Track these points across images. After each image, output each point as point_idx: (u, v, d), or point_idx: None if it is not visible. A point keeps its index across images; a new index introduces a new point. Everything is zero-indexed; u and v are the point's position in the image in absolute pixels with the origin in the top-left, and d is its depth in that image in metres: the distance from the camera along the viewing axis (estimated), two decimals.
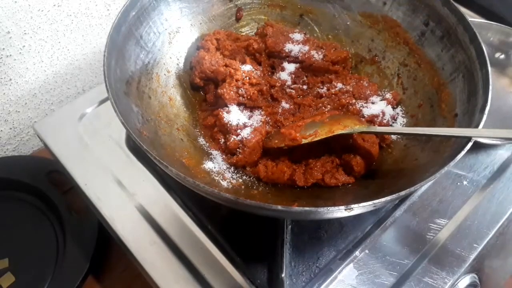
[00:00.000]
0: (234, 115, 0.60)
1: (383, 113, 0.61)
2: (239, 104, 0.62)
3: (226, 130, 0.59)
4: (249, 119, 0.61)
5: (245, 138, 0.57)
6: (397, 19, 0.65)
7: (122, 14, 0.56)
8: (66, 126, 0.70)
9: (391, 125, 0.61)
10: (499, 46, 0.77)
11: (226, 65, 0.63)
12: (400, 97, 0.63)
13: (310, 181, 0.56)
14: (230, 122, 0.59)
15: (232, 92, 0.61)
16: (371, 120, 0.61)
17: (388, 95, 0.63)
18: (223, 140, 0.60)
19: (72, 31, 0.84)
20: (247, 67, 0.64)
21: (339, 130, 0.54)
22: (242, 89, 0.62)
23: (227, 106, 0.61)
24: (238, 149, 0.58)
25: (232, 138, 0.58)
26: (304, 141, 0.54)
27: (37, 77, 0.84)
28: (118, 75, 0.53)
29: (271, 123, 0.62)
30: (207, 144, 0.61)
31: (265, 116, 0.62)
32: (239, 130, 0.59)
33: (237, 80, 0.62)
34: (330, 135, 0.54)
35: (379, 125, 0.60)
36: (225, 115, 0.60)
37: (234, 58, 0.66)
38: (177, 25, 0.65)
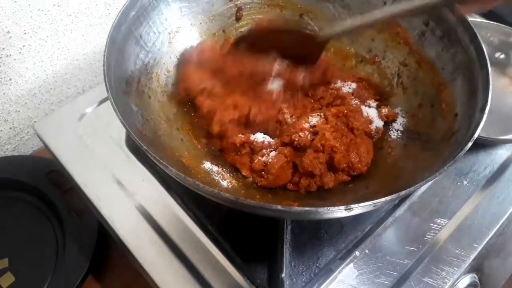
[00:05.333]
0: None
1: (370, 122, 0.61)
2: None
3: (252, 150, 0.58)
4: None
5: (268, 161, 0.56)
6: None
7: (122, 14, 0.56)
8: (66, 126, 0.70)
9: (372, 135, 0.61)
10: (499, 46, 0.77)
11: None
12: (394, 117, 0.62)
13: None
14: (256, 140, 0.58)
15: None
16: None
17: (385, 111, 0.62)
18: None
19: (72, 31, 0.84)
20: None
21: None
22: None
23: None
24: (263, 171, 0.57)
25: (257, 159, 0.57)
26: None
27: (37, 76, 0.84)
28: (118, 75, 0.53)
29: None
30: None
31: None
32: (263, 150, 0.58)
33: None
34: None
35: (365, 132, 0.60)
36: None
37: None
38: (177, 25, 0.65)
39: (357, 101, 0.63)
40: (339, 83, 0.65)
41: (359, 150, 0.56)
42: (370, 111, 0.62)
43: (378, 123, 0.62)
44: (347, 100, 0.62)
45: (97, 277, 0.72)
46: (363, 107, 0.62)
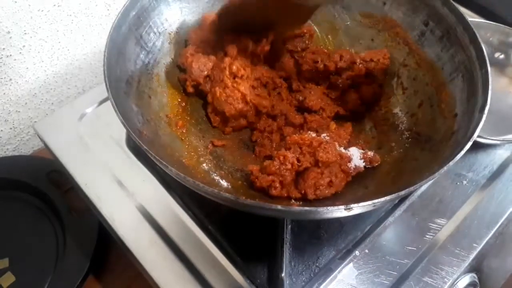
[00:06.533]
0: None
1: (349, 160, 0.55)
2: None
3: None
4: None
5: None
6: (397, 19, 0.65)
7: (122, 14, 0.56)
8: (66, 126, 0.70)
9: (349, 173, 0.55)
10: (498, 46, 0.77)
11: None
12: (378, 162, 0.57)
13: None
14: None
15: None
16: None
17: (370, 154, 0.57)
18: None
19: (72, 31, 0.84)
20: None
21: None
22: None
23: None
24: None
25: None
26: None
27: (37, 77, 0.84)
28: (118, 75, 0.53)
29: None
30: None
31: None
32: None
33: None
34: None
35: (342, 170, 0.54)
36: None
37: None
38: (177, 25, 0.65)
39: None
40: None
41: (319, 180, 0.51)
42: (352, 150, 0.57)
43: (358, 162, 0.56)
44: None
45: (97, 277, 0.72)
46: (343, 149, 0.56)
